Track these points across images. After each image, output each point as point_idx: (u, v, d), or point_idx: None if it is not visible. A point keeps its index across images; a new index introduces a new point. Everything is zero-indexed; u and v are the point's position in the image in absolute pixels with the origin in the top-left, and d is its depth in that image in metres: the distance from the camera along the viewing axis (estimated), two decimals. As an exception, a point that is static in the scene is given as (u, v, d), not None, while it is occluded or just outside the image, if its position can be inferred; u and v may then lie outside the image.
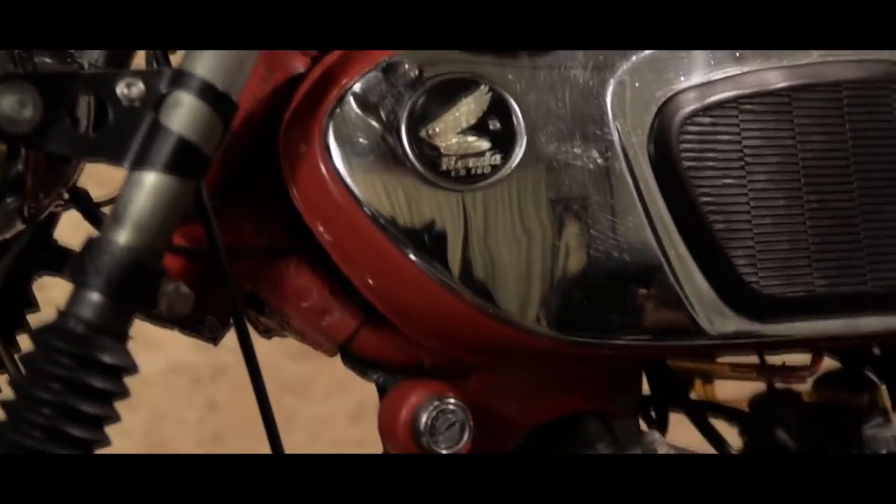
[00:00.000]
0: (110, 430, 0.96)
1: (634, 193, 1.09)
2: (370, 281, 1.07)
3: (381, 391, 1.16)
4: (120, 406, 0.97)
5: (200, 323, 1.15)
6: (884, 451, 1.24)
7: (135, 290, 0.95)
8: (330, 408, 2.22)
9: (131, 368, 0.97)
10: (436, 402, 1.10)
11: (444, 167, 1.04)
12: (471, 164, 1.05)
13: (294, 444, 2.15)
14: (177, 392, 2.13)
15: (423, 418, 1.10)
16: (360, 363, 1.14)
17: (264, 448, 1.35)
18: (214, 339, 1.17)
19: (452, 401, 1.10)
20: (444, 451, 1.10)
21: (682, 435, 1.22)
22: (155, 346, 2.07)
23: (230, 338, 1.34)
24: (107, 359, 0.95)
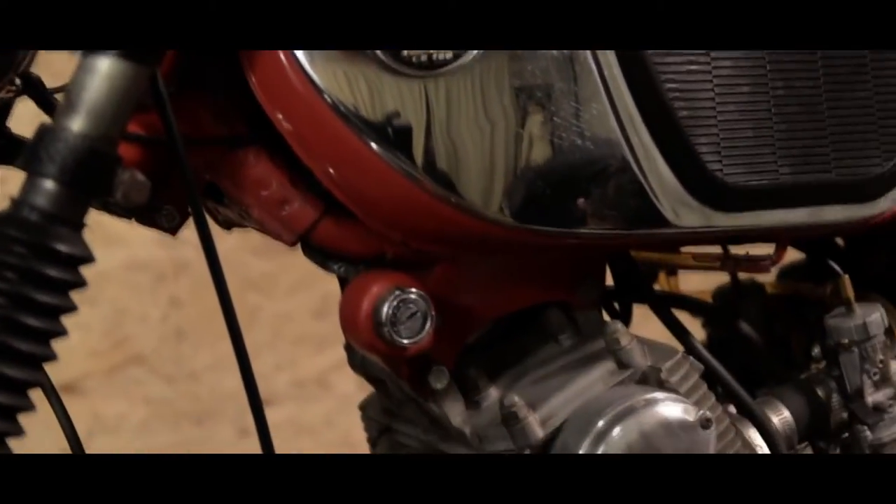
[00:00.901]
0: (71, 326, 0.95)
1: (599, 81, 1.07)
2: (330, 170, 1.05)
3: (343, 283, 1.15)
4: (80, 301, 0.95)
5: (158, 213, 1.13)
6: (845, 341, 1.24)
7: (89, 177, 0.93)
8: (294, 304, 2.22)
9: (87, 258, 0.95)
10: (397, 293, 1.09)
11: (405, 53, 1.02)
12: (433, 50, 1.03)
13: (257, 340, 2.16)
14: (138, 288, 2.12)
15: (385, 309, 1.09)
16: (320, 254, 1.13)
17: (226, 345, 1.34)
18: (173, 229, 1.15)
19: (414, 292, 1.09)
20: (405, 342, 1.09)
21: (647, 329, 1.21)
22: (116, 242, 2.05)
23: (193, 234, 1.32)
24: (62, 248, 0.93)
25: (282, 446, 2.09)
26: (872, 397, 1.26)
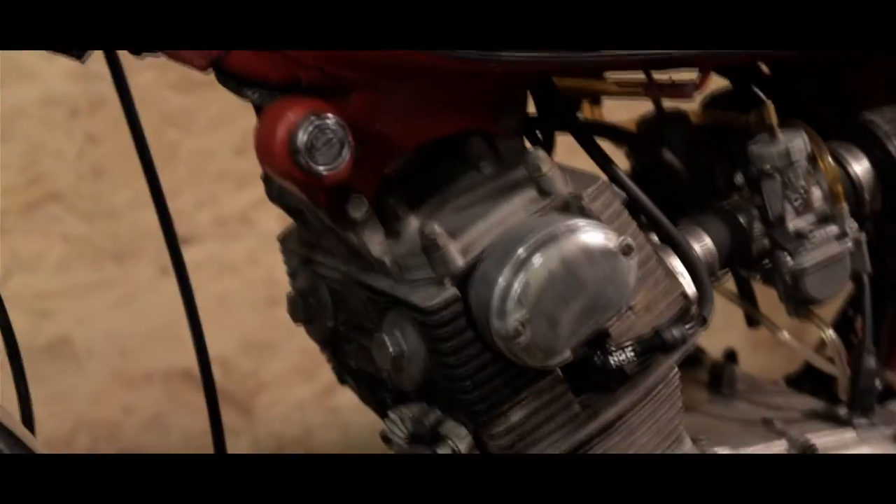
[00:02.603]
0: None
1: None
2: (242, -9, 1.01)
3: (259, 111, 1.12)
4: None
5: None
6: (768, 167, 1.23)
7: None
8: (214, 140, 2.18)
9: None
10: (313, 119, 1.06)
11: None
12: None
13: (177, 177, 2.13)
14: (54, 124, 2.07)
15: (301, 135, 1.06)
16: (234, 80, 1.10)
17: (142, 182, 1.32)
18: (80, 55, 1.11)
19: (331, 118, 1.07)
20: (322, 170, 1.07)
21: (570, 161, 1.20)
22: (29, 77, 1.99)
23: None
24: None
25: (204, 284, 2.09)
26: (794, 224, 1.25)
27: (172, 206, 1.32)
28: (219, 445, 1.24)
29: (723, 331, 1.61)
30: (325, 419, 2.16)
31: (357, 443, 2.12)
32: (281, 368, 2.15)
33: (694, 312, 1.18)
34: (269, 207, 1.25)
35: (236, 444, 2.10)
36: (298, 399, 2.16)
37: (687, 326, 1.16)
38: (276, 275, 1.34)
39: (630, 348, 1.13)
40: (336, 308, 1.25)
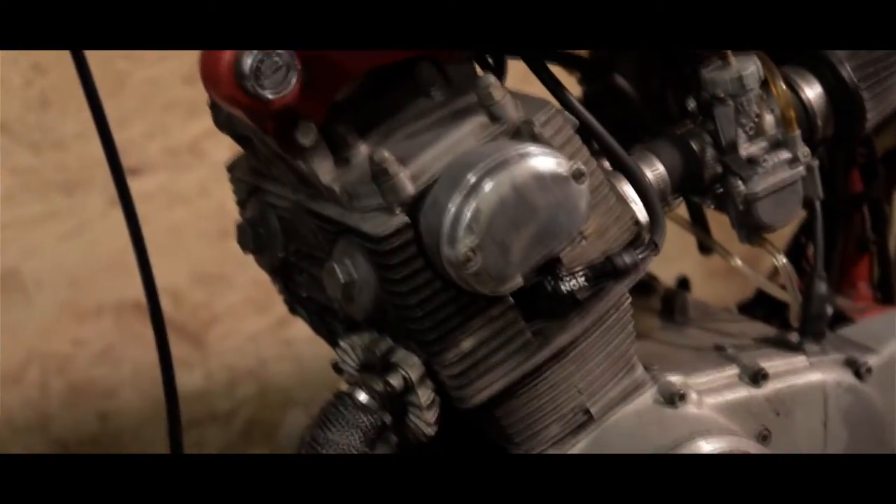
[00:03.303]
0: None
1: None
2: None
3: (204, 36, 1.10)
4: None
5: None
6: (720, 93, 1.23)
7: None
8: (163, 69, 2.15)
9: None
10: (260, 44, 1.04)
11: None
12: None
13: (126, 107, 2.09)
14: (-1, 54, 2.04)
15: (247, 60, 1.04)
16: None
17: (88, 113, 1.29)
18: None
19: (278, 43, 1.05)
20: (269, 95, 1.05)
21: (521, 88, 1.18)
22: (-28, 5, 1.95)
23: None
24: None
25: (155, 215, 2.07)
26: (746, 150, 1.25)
27: (122, 136, 1.30)
28: (168, 379, 1.23)
29: (677, 260, 1.61)
30: (278, 351, 2.16)
31: (311, 375, 2.11)
32: (234, 300, 2.13)
33: (646, 238, 1.18)
34: (221, 138, 1.24)
35: (189, 377, 2.10)
36: (252, 331, 2.15)
37: (638, 252, 1.15)
38: (227, 206, 1.33)
39: (581, 274, 1.13)
40: (286, 237, 1.24)
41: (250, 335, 2.15)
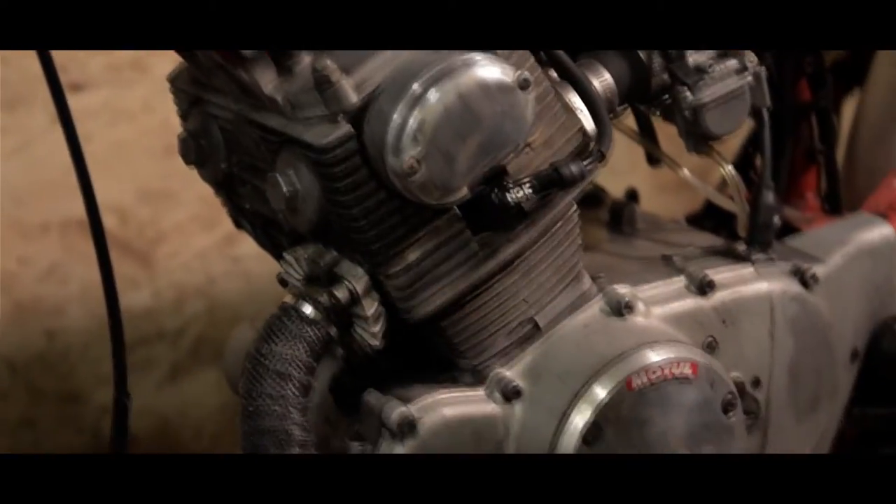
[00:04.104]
0: None
1: None
2: None
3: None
4: None
5: None
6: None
7: None
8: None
9: None
10: (197, -51, 1.02)
11: None
12: None
13: (67, 21, 2.05)
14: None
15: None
16: None
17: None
18: None
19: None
20: (208, 2, 1.03)
21: None
22: None
23: None
24: None
25: (98, 132, 2.04)
26: (693, 58, 1.24)
27: (63, 52, 1.27)
28: (111, 299, 1.22)
29: (626, 174, 1.60)
30: (226, 268, 2.14)
31: (259, 291, 2.10)
32: (180, 217, 2.11)
33: (593, 148, 1.17)
34: (164, 53, 1.21)
35: (137, 296, 2.08)
36: (199, 248, 2.13)
37: (585, 162, 1.14)
38: (172, 121, 1.31)
39: (527, 184, 1.12)
40: (229, 149, 1.22)
41: (198, 252, 2.13)
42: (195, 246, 2.13)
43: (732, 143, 1.51)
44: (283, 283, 1.19)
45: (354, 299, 1.12)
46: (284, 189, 1.11)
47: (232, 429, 1.13)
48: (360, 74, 1.09)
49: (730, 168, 1.31)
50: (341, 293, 1.12)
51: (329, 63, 1.07)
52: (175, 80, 1.26)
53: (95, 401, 2.03)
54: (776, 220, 1.33)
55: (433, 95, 1.06)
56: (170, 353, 2.12)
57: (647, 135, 1.39)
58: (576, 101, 1.19)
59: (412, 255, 1.12)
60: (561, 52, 1.18)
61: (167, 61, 1.28)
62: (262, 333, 1.12)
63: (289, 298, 1.15)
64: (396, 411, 1.13)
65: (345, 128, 1.08)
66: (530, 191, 1.12)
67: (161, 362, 2.11)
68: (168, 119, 1.33)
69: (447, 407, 1.15)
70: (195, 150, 1.24)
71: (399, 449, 1.13)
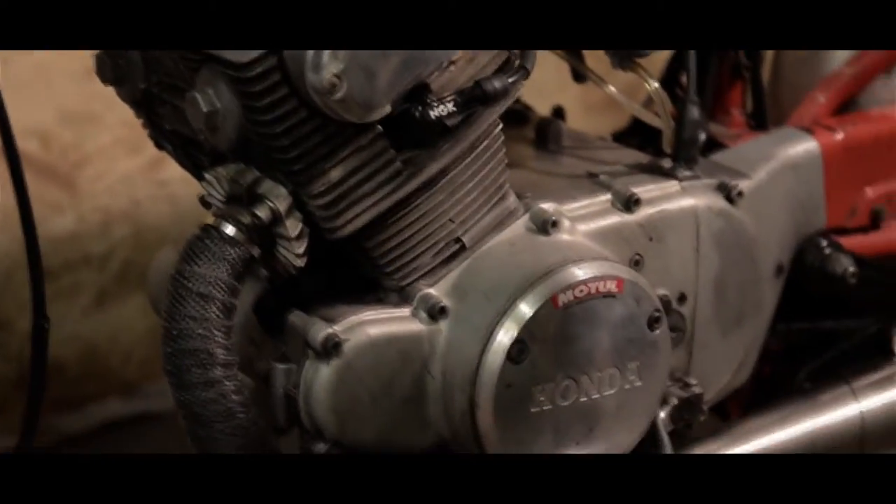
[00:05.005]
0: None
1: None
2: None
3: None
4: None
5: None
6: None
7: None
8: None
9: None
10: None
11: None
12: None
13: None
14: None
15: None
16: None
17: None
18: None
19: None
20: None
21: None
22: None
23: None
24: None
25: (16, 54, 1.99)
26: (617, -28, 1.23)
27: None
28: (27, 222, 1.20)
29: (554, 94, 1.59)
30: (152, 191, 2.11)
31: (186, 215, 2.08)
32: (104, 141, 2.08)
33: (516, 64, 1.16)
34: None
35: (61, 221, 2.05)
36: (124, 172, 2.10)
37: (508, 77, 1.13)
38: (94, 43, 1.28)
39: (450, 100, 1.11)
40: (147, 68, 1.20)
41: (123, 176, 2.09)
42: (120, 169, 2.10)
43: (658, 60, 1.50)
44: (205, 204, 1.17)
45: (277, 219, 1.11)
46: (204, 108, 1.09)
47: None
48: (279, -10, 1.07)
49: (655, 84, 1.31)
50: (263, 213, 1.11)
51: (247, -22, 1.05)
52: (91, -2, 1.23)
53: (20, 328, 2.01)
54: (701, 135, 1.32)
55: (353, 10, 1.04)
56: (96, 279, 2.09)
57: (572, 52, 1.38)
58: (499, 16, 1.18)
59: (335, 174, 1.11)
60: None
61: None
62: (183, 255, 1.11)
63: (211, 219, 1.13)
64: (321, 331, 1.12)
65: (264, 44, 1.06)
66: (453, 107, 1.11)
67: (87, 288, 2.09)
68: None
69: (372, 326, 1.15)
70: (112, 68, 1.21)
71: (324, 369, 1.12)
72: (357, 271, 1.19)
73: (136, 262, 2.08)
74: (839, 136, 1.42)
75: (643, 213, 1.26)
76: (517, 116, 1.44)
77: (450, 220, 1.18)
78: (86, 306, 2.09)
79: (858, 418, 1.43)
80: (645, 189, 1.27)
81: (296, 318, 1.16)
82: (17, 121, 1.20)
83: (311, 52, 1.04)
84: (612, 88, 1.33)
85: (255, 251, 1.12)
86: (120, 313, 2.11)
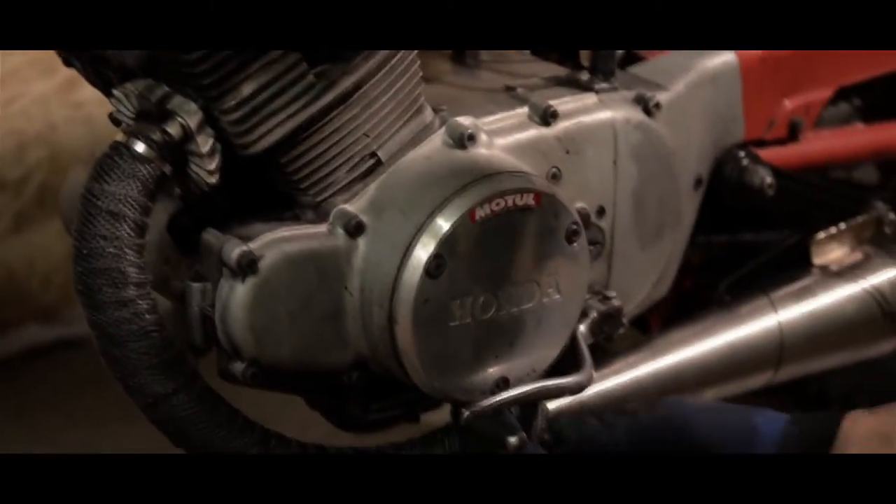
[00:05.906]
0: None
1: None
2: None
3: None
4: None
5: None
6: None
7: None
8: None
9: None
10: None
11: None
12: None
13: None
14: None
15: None
16: None
17: None
18: None
19: None
20: None
21: None
22: None
23: None
24: None
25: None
26: None
27: None
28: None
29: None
30: (68, 113, 2.08)
31: (103, 136, 2.04)
32: (17, 62, 2.04)
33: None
34: None
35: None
36: (39, 94, 2.06)
37: (422, -12, 1.12)
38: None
39: (363, 12, 1.09)
40: (52, -17, 1.17)
41: (37, 98, 2.06)
42: (34, 91, 2.06)
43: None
44: (115, 121, 1.15)
45: (188, 135, 1.09)
46: (110, 21, 1.07)
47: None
48: None
49: None
50: (174, 129, 1.09)
51: None
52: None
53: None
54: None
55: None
56: (13, 203, 2.06)
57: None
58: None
59: (247, 89, 1.09)
60: None
61: None
62: (93, 173, 1.09)
63: (121, 137, 1.11)
64: (236, 249, 1.11)
65: (170, -45, 1.03)
66: (366, 19, 1.09)
67: (4, 213, 2.06)
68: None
69: (289, 243, 1.13)
70: (16, -15, 1.18)
71: (239, 287, 1.11)
72: (273, 189, 1.17)
73: (53, 185, 2.05)
74: (757, 47, 1.42)
75: (560, 126, 1.25)
76: (434, 30, 1.43)
77: (364, 134, 1.16)
78: (3, 231, 2.06)
79: (777, 329, 1.44)
80: (562, 102, 1.26)
81: (210, 236, 1.14)
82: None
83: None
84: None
85: (167, 168, 1.10)
86: (38, 238, 2.08)
